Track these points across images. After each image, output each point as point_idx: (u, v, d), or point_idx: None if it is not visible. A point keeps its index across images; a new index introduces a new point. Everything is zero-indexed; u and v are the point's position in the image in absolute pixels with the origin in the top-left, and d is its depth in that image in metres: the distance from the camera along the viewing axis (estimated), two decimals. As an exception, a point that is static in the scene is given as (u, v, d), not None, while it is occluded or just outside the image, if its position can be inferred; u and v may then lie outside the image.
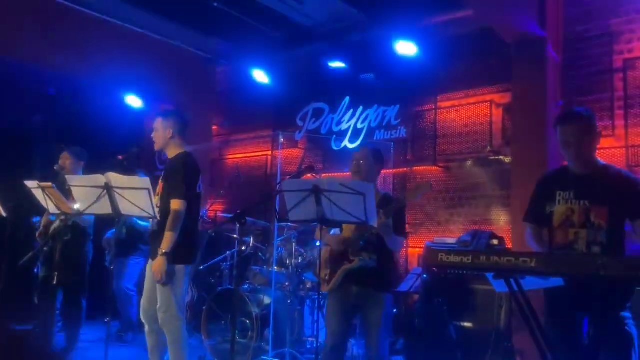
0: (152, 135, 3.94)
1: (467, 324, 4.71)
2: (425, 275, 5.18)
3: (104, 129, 7.40)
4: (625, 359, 2.57)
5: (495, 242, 4.83)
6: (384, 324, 3.35)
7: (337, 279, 3.37)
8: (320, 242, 3.49)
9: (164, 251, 3.56)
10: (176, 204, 3.62)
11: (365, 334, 3.47)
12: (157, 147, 3.94)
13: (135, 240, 5.74)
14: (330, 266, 3.46)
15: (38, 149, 7.66)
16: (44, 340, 4.32)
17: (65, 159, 4.88)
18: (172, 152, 3.92)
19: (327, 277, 3.47)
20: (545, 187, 2.94)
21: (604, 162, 2.88)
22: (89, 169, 4.89)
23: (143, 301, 3.84)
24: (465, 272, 4.79)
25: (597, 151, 2.90)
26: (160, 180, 3.87)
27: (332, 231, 3.49)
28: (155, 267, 3.58)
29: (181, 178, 3.68)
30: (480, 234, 4.94)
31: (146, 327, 3.84)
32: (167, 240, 3.56)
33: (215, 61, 7.34)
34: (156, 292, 3.70)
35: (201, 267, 6.01)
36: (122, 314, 5.87)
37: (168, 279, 3.59)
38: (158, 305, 3.68)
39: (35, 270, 4.96)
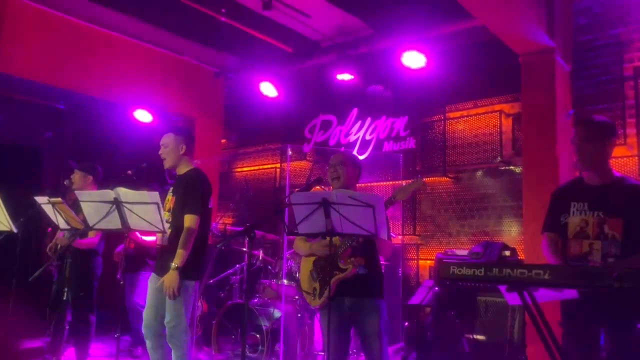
0: (161, 152, 3.91)
1: (480, 337, 4.65)
2: (437, 288, 5.13)
3: (114, 143, 7.47)
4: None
5: (507, 253, 4.79)
6: (383, 331, 3.26)
7: (330, 290, 3.23)
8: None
9: (177, 266, 3.56)
10: (191, 220, 3.64)
11: (365, 344, 3.33)
12: (167, 164, 3.90)
13: (143, 255, 5.75)
14: (318, 278, 3.38)
15: (48, 164, 7.73)
16: (55, 355, 4.31)
17: (74, 175, 4.93)
18: (183, 169, 3.92)
19: (316, 291, 3.37)
20: (560, 198, 2.91)
21: (620, 174, 2.85)
22: (100, 184, 4.93)
23: (146, 317, 3.80)
24: (477, 284, 4.77)
25: (610, 159, 2.87)
26: (170, 195, 3.86)
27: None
28: (167, 281, 3.57)
29: (198, 195, 3.71)
30: (491, 245, 4.89)
31: (149, 343, 3.81)
32: (180, 256, 3.58)
33: (224, 75, 7.37)
34: (160, 307, 3.70)
35: (211, 281, 6.00)
36: (132, 328, 5.86)
37: (179, 293, 3.58)
38: (167, 320, 3.66)
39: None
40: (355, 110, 6.80)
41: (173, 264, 3.57)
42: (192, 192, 3.72)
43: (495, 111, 5.87)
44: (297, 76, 7.23)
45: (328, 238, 3.27)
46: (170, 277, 3.57)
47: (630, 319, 2.56)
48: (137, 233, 5.34)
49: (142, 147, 6.61)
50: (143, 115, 7.04)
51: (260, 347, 4.67)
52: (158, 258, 3.87)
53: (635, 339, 2.54)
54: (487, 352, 4.54)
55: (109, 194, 3.42)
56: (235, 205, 7.26)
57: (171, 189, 3.90)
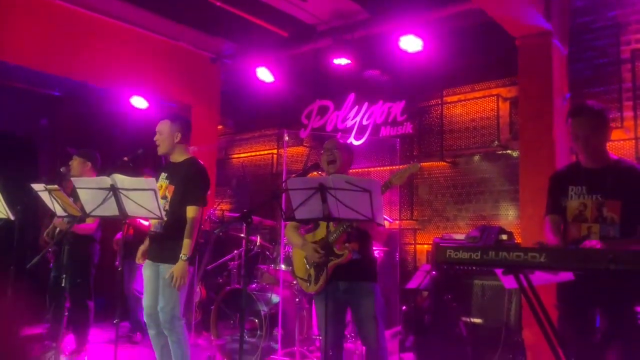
0: (156, 138, 3.92)
1: (476, 320, 4.69)
2: (434, 272, 5.15)
3: (109, 130, 7.44)
4: (636, 353, 2.54)
5: (504, 237, 4.80)
6: (378, 313, 3.29)
7: (326, 275, 3.26)
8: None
9: (186, 257, 3.63)
10: (194, 211, 3.70)
11: (361, 327, 3.38)
12: (161, 151, 3.93)
13: (142, 242, 5.75)
14: (313, 264, 3.39)
15: (43, 152, 7.70)
16: (55, 341, 4.33)
17: (72, 162, 4.92)
18: (177, 157, 3.93)
19: (311, 277, 3.39)
20: (558, 183, 2.92)
21: (616, 156, 2.85)
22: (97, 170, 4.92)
23: (147, 305, 3.84)
24: (474, 268, 4.79)
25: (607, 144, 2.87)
26: (165, 182, 3.85)
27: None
28: (177, 272, 3.62)
29: (198, 185, 3.77)
30: (488, 229, 4.91)
31: (152, 331, 3.85)
32: (187, 246, 3.65)
33: (220, 60, 7.32)
34: (156, 292, 3.74)
35: (209, 267, 6.02)
36: (131, 315, 5.89)
37: (185, 283, 3.65)
38: (161, 305, 3.71)
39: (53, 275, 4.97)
40: (352, 96, 6.77)
41: (182, 255, 3.63)
42: (192, 184, 3.77)
43: (493, 95, 5.86)
44: (293, 61, 7.19)
45: (321, 235, 3.30)
46: (181, 268, 3.62)
47: (625, 301, 2.57)
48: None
49: (138, 133, 6.58)
50: (139, 102, 7.00)
51: (258, 332, 4.70)
52: (152, 244, 3.87)
53: (631, 321, 2.56)
54: (484, 335, 4.58)
55: (106, 180, 3.42)
56: (233, 192, 7.26)
57: (163, 174, 3.89)
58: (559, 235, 2.85)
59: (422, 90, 6.33)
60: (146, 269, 3.87)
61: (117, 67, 6.31)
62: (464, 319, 4.72)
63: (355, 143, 6.52)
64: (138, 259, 3.93)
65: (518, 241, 4.95)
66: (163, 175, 3.90)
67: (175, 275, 3.61)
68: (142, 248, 3.93)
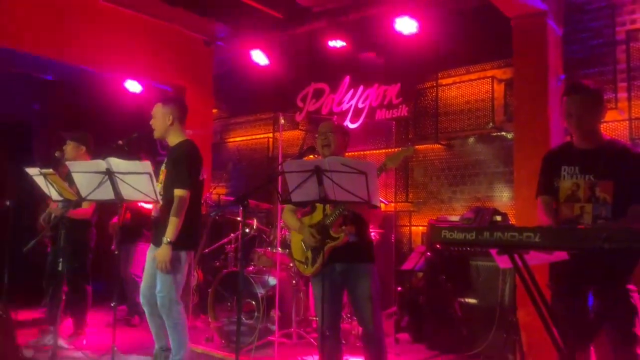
0: (151, 122, 3.91)
1: (471, 301, 4.74)
2: (429, 253, 5.19)
3: (104, 114, 7.38)
4: (629, 331, 2.57)
5: (499, 218, 4.84)
6: (374, 294, 3.31)
7: (323, 258, 3.27)
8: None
9: (168, 240, 3.58)
10: (180, 194, 3.64)
11: (357, 308, 3.40)
12: (156, 135, 3.91)
13: (140, 226, 5.77)
14: (310, 246, 3.41)
15: (38, 136, 7.66)
16: (53, 325, 4.35)
17: (66, 146, 4.89)
18: (173, 140, 3.91)
19: (308, 259, 3.41)
20: (551, 163, 2.92)
21: (609, 137, 2.86)
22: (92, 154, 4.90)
23: (143, 286, 3.86)
24: (469, 248, 4.84)
25: (600, 124, 2.88)
26: (163, 167, 3.86)
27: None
28: (159, 255, 3.60)
29: (185, 167, 3.70)
30: (483, 210, 4.94)
31: (147, 312, 3.87)
32: (171, 229, 3.59)
33: (213, 43, 7.26)
34: (153, 275, 3.74)
35: (206, 250, 6.04)
36: (129, 298, 5.92)
37: (171, 267, 3.61)
38: (157, 289, 3.71)
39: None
40: (347, 78, 6.75)
41: (165, 238, 3.59)
42: (180, 167, 3.71)
43: (488, 77, 5.85)
44: (288, 43, 7.14)
45: (317, 218, 3.31)
46: (162, 252, 3.60)
47: (619, 280, 2.60)
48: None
49: (133, 117, 6.55)
50: (133, 86, 6.96)
51: (256, 314, 4.74)
52: (153, 229, 3.89)
53: (623, 299, 2.60)
54: (479, 315, 4.63)
55: (101, 164, 3.41)
56: (228, 176, 7.26)
57: (165, 160, 3.90)
58: (553, 216, 2.87)
59: (418, 72, 6.31)
60: (149, 253, 3.89)
61: (111, 50, 6.25)
62: (458, 299, 4.77)
63: (351, 126, 6.52)
64: None
65: (512, 222, 4.99)
66: (165, 161, 3.89)
67: (158, 260, 3.60)
68: None
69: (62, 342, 4.55)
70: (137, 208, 5.50)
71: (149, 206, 5.30)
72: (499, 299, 4.57)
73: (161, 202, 3.64)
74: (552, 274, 2.82)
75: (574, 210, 2.76)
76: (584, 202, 2.74)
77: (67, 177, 4.13)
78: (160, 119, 3.85)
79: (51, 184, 4.00)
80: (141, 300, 3.89)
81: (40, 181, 4.08)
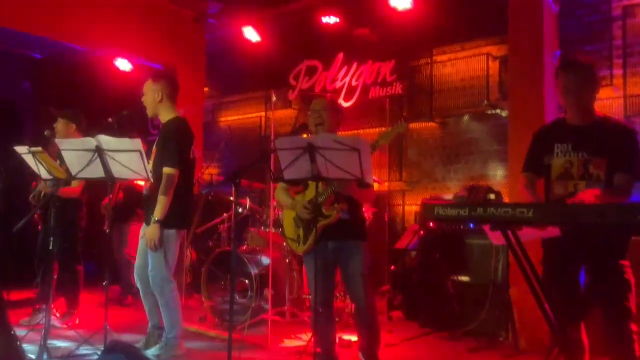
0: (142, 99, 3.86)
1: (464, 278, 4.75)
2: (422, 232, 5.19)
3: (93, 93, 7.29)
4: (622, 306, 2.58)
5: (492, 196, 4.83)
6: (367, 271, 3.31)
7: (314, 235, 3.24)
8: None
9: (157, 218, 3.57)
10: (168, 172, 3.61)
11: (350, 285, 3.41)
12: (148, 113, 3.86)
13: (133, 205, 5.73)
14: (302, 224, 3.39)
15: (27, 115, 7.57)
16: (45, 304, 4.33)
17: (57, 124, 4.82)
18: (164, 117, 3.86)
19: (300, 237, 3.39)
20: (543, 139, 2.90)
21: (602, 114, 2.84)
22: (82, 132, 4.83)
23: (137, 265, 3.86)
24: (462, 227, 4.84)
25: (596, 101, 2.85)
26: (154, 146, 3.81)
27: None
28: (148, 234, 3.60)
29: (174, 145, 3.66)
30: (476, 188, 4.94)
31: (141, 290, 3.88)
32: (160, 207, 3.58)
33: (204, 20, 7.14)
34: (146, 253, 3.73)
35: (199, 230, 6.02)
36: (122, 278, 5.91)
37: (160, 245, 3.60)
38: (149, 268, 3.71)
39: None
40: (340, 55, 6.67)
41: (153, 216, 3.58)
42: (169, 144, 3.67)
43: (483, 54, 5.80)
44: (280, 20, 7.04)
45: (310, 196, 3.28)
46: (151, 230, 3.59)
47: (611, 255, 2.60)
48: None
49: (123, 96, 6.47)
50: (123, 64, 6.85)
51: (249, 293, 4.74)
52: (144, 208, 3.87)
53: (616, 275, 2.60)
54: (472, 292, 4.65)
55: (90, 141, 3.36)
56: (220, 155, 7.21)
57: (157, 140, 3.86)
58: (533, 193, 2.85)
59: (412, 49, 6.25)
60: (141, 232, 3.87)
61: (100, 27, 6.13)
62: (451, 277, 4.79)
63: (345, 104, 6.46)
64: None
65: (506, 200, 4.98)
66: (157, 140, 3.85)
67: (147, 238, 3.60)
68: None
69: (54, 322, 4.54)
70: (131, 186, 5.45)
71: (142, 182, 5.27)
72: (491, 276, 4.58)
73: (152, 180, 3.61)
74: (545, 251, 2.82)
75: (568, 188, 2.75)
76: (577, 180, 2.73)
77: (58, 156, 4.08)
78: (150, 95, 3.80)
79: (40, 162, 3.95)
80: (135, 278, 3.89)
81: (29, 160, 4.03)
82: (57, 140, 3.69)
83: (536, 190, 2.86)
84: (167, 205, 3.59)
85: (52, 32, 5.89)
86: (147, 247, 3.69)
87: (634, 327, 2.59)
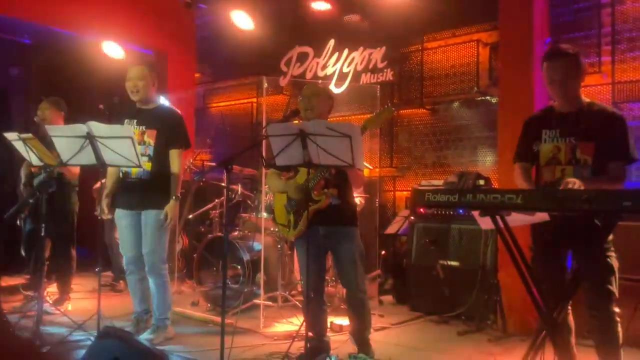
0: (135, 84, 3.81)
1: (453, 263, 4.81)
2: (412, 217, 5.24)
3: (84, 79, 7.23)
4: (606, 290, 2.64)
5: (482, 182, 4.88)
6: (357, 256, 3.35)
7: (305, 221, 3.25)
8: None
9: (176, 195, 3.77)
10: (181, 151, 3.84)
11: (341, 270, 3.45)
12: (139, 97, 3.84)
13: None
14: (292, 210, 3.40)
15: (17, 101, 7.49)
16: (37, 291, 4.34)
17: (44, 109, 4.78)
18: (154, 102, 3.96)
19: (291, 223, 3.40)
20: (532, 127, 2.95)
21: (588, 100, 2.88)
22: (71, 121, 4.80)
23: (128, 252, 3.89)
24: (451, 213, 4.89)
25: (584, 88, 2.89)
26: (139, 129, 3.79)
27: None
28: (171, 212, 3.73)
29: (184, 129, 3.90)
30: (466, 174, 4.98)
31: (135, 276, 3.92)
32: (177, 185, 3.77)
33: (194, 4, 7.07)
34: (139, 240, 3.79)
35: (190, 216, 6.03)
36: (114, 263, 5.91)
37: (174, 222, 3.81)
38: (147, 250, 3.76)
39: (18, 223, 4.93)
40: (332, 42, 6.65)
41: (174, 195, 3.74)
42: (178, 128, 3.86)
43: (473, 40, 5.80)
44: (271, 5, 6.98)
45: (301, 181, 3.30)
46: (174, 207, 3.76)
47: (597, 240, 2.65)
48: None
49: (114, 82, 6.40)
50: (113, 49, 6.79)
51: (241, 278, 4.77)
52: (131, 193, 3.81)
53: (600, 259, 2.65)
54: (461, 277, 4.72)
55: (81, 128, 3.35)
56: (212, 142, 7.19)
57: (132, 121, 3.82)
58: (531, 181, 2.90)
59: (403, 36, 6.24)
60: (122, 219, 3.86)
61: (89, 12, 6.04)
62: (441, 262, 4.85)
63: (336, 91, 6.45)
64: (105, 215, 3.85)
65: (495, 186, 5.04)
66: (131, 122, 3.81)
67: (170, 215, 3.72)
68: (106, 202, 3.85)
69: (47, 307, 4.55)
70: None
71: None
72: (480, 261, 4.65)
73: (147, 165, 3.67)
74: (533, 236, 2.87)
75: (555, 173, 2.80)
76: (564, 165, 2.77)
77: (49, 143, 4.05)
78: (149, 81, 3.86)
79: (31, 148, 3.94)
80: (128, 267, 3.90)
81: (19, 146, 4.01)
82: (47, 127, 3.69)
83: (532, 179, 2.90)
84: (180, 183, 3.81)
85: (42, 17, 5.81)
86: (138, 233, 3.76)
87: (616, 309, 2.66)
